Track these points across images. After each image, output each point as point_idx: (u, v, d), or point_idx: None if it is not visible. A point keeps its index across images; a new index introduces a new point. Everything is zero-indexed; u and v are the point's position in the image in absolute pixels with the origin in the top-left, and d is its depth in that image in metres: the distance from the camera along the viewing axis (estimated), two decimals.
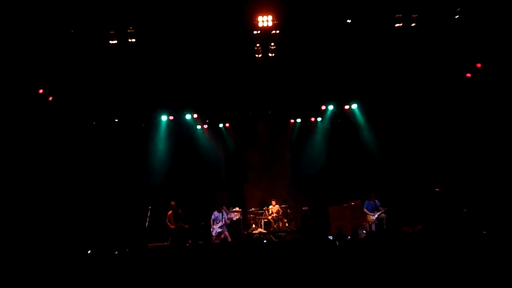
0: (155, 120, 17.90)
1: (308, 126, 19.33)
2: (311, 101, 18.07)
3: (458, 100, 16.27)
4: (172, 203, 15.35)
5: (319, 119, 19.14)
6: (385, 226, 15.14)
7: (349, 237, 9.65)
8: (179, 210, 15.35)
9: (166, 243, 14.84)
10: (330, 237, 10.02)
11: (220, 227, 15.27)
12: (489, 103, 15.35)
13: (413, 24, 13.65)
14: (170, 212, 15.30)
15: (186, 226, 15.35)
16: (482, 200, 14.82)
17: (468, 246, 7.52)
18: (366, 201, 15.79)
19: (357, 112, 18.42)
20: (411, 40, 14.45)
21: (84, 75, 15.01)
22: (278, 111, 18.72)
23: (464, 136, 16.34)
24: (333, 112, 18.64)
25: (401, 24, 13.63)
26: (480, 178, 15.53)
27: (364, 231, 15.07)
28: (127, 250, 12.16)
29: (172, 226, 15.16)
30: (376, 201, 15.63)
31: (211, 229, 15.34)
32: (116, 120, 17.52)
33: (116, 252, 10.76)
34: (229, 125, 19.18)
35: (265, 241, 11.69)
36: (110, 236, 15.53)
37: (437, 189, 15.22)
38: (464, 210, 14.45)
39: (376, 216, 15.36)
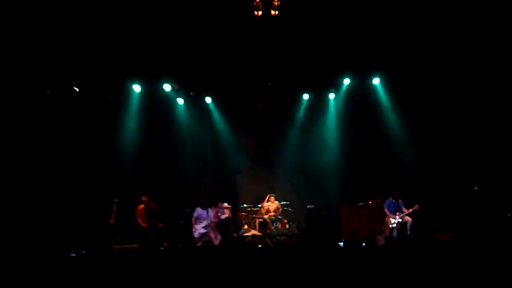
0: (124, 91, 17.82)
1: (318, 104, 19.32)
2: (322, 72, 18.03)
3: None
4: (144, 198, 15.40)
5: (331, 95, 19.11)
6: (409, 232, 15.26)
7: (364, 243, 9.69)
8: (153, 205, 15.41)
9: (136, 245, 14.91)
10: (341, 244, 10.05)
11: (203, 227, 15.38)
12: None
13: None
14: (142, 206, 15.36)
15: (161, 225, 15.43)
16: None
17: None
18: (388, 200, 15.90)
19: (380, 88, 18.41)
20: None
21: (35, 30, 14.94)
22: (280, 84, 18.69)
23: None
24: (349, 87, 18.62)
25: None
26: None
27: (384, 237, 15.18)
28: (85, 252, 12.19)
29: (144, 224, 15.23)
30: (400, 200, 15.74)
31: (193, 230, 15.45)
32: (76, 89, 17.43)
33: (73, 255, 10.79)
34: (219, 99, 19.12)
35: (260, 245, 11.75)
36: (65, 234, 15.57)
37: (476, 188, 15.33)
38: (510, 214, 14.56)
39: (398, 219, 15.46)
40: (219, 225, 16.03)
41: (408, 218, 15.46)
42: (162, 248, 14.68)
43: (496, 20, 14.94)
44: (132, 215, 15.48)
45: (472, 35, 15.77)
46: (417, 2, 14.88)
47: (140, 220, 15.30)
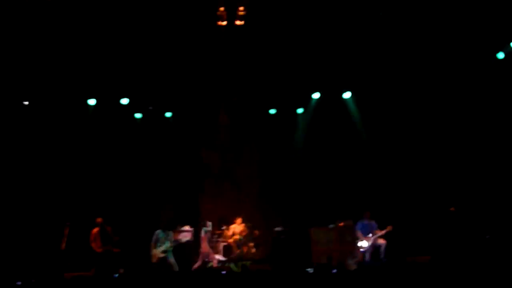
0: (78, 106, 17.62)
1: (285, 120, 19.36)
2: (290, 86, 18.12)
3: (485, 90, 16.57)
4: (99, 219, 15.23)
5: (300, 110, 19.19)
6: (382, 256, 15.32)
7: (335, 270, 9.70)
8: (108, 228, 15.24)
9: (89, 272, 14.69)
10: (310, 270, 10.02)
11: (163, 251, 15.24)
12: None
13: None
14: (96, 230, 15.18)
15: (117, 250, 15.24)
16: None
17: (490, 283, 7.65)
18: (360, 222, 15.95)
19: (351, 104, 18.56)
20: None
21: None
22: (246, 98, 18.71)
23: (493, 140, 16.65)
24: (319, 102, 18.72)
25: None
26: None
27: (356, 262, 15.22)
28: (34, 280, 11.98)
29: (98, 250, 15.04)
30: (373, 221, 15.81)
31: (151, 254, 15.29)
32: (26, 103, 17.19)
33: (19, 283, 10.58)
34: (180, 114, 19.04)
35: (224, 271, 11.65)
36: (12, 260, 15.27)
37: (452, 209, 15.49)
38: (487, 236, 14.72)
39: (371, 241, 15.53)
40: (180, 249, 15.90)
41: (382, 241, 15.53)
42: (117, 274, 14.50)
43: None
44: (86, 239, 15.26)
45: (441, 53, 16.12)
46: (385, 17, 15.14)
47: (94, 245, 15.10)
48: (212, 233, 16.88)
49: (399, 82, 17.44)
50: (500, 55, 15.82)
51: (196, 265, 16.21)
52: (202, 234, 16.57)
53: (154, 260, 15.32)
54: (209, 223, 16.72)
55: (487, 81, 16.23)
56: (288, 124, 19.33)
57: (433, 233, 16.29)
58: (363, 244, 15.62)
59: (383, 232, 15.51)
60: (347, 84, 18.15)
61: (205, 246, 16.39)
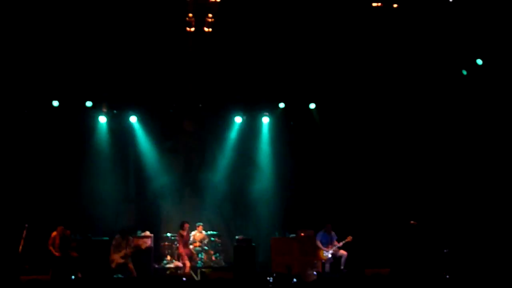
0: (39, 107, 17.41)
1: (251, 128, 19.34)
2: (256, 94, 18.15)
3: (450, 103, 16.85)
4: (60, 227, 15.07)
5: (265, 119, 19.22)
6: (343, 267, 15.40)
7: (295, 279, 9.72)
8: (68, 232, 15.07)
9: (47, 276, 14.49)
10: (270, 279, 10.02)
11: (122, 257, 15.10)
12: (489, 106, 16.04)
13: (395, 5, 14.12)
14: (55, 233, 14.99)
15: (75, 254, 15.06)
16: (470, 238, 15.38)
17: None
18: (320, 232, 16.04)
19: (315, 114, 18.66)
20: (391, 24, 14.95)
21: None
22: (211, 105, 18.68)
23: (455, 151, 16.92)
24: (284, 111, 18.78)
25: (379, 4, 14.05)
26: (470, 208, 16.11)
27: (315, 272, 15.26)
28: None
29: (57, 253, 14.84)
30: (333, 233, 15.91)
31: (110, 259, 15.14)
32: None
33: None
34: (145, 119, 18.90)
35: (184, 278, 11.59)
36: None
37: (412, 222, 15.66)
38: (445, 250, 14.91)
39: (330, 252, 15.60)
40: (139, 255, 15.77)
41: (343, 252, 15.63)
42: (75, 278, 14.33)
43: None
44: (44, 242, 15.04)
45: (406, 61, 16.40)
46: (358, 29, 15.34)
47: (52, 248, 14.89)
48: (186, 235, 16.74)
49: (362, 93, 17.65)
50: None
51: (187, 268, 16.12)
52: (177, 237, 16.65)
53: (113, 265, 15.16)
54: (186, 226, 16.59)
55: (452, 92, 16.57)
56: (253, 132, 19.30)
57: (393, 246, 16.45)
58: (324, 254, 15.68)
59: (342, 243, 15.60)
60: (314, 93, 18.25)
61: (181, 248, 16.38)
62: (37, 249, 15.15)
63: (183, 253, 16.31)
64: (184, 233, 16.52)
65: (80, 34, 15.23)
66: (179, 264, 16.90)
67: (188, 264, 16.19)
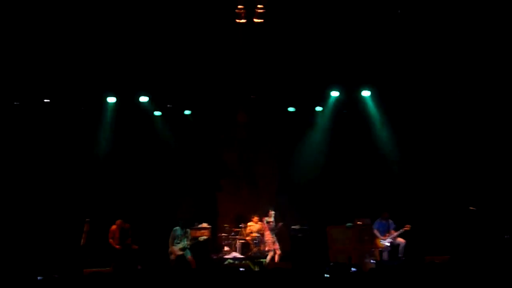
0: (99, 103, 17.73)
1: (304, 118, 19.30)
2: (309, 84, 18.06)
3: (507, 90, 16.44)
4: (118, 221, 15.33)
5: (319, 108, 19.14)
6: (401, 255, 15.25)
7: (353, 268, 9.66)
8: (127, 225, 15.32)
9: (109, 268, 14.76)
10: (327, 275, 9.96)
11: (181, 248, 15.29)
12: None
13: None
14: (114, 227, 15.27)
15: (135, 247, 15.31)
16: None
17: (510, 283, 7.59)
18: (377, 221, 15.91)
19: (370, 102, 18.48)
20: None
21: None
22: (264, 96, 18.69)
23: None
24: (338, 100, 18.65)
25: None
26: None
27: (373, 261, 15.17)
28: (56, 276, 12.04)
29: (117, 246, 15.12)
30: (390, 221, 15.75)
31: (169, 252, 15.36)
32: (47, 101, 17.31)
33: (40, 278, 10.64)
34: (199, 112, 19.06)
35: (241, 268, 11.66)
36: (32, 256, 15.40)
37: (471, 208, 15.39)
38: (507, 236, 14.61)
39: (388, 240, 15.47)
40: (198, 247, 15.95)
41: (401, 240, 15.47)
42: (136, 270, 14.56)
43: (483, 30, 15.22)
44: (105, 235, 15.34)
45: (461, 48, 15.97)
46: (406, 13, 15.04)
47: (112, 242, 15.18)
48: (274, 223, 16.87)
49: (418, 79, 17.31)
50: None
51: (269, 257, 16.33)
52: (264, 223, 16.79)
53: (172, 257, 15.38)
54: (272, 213, 16.69)
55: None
56: (306, 122, 19.24)
57: (452, 233, 16.22)
58: (381, 243, 15.56)
59: (401, 231, 15.43)
60: (365, 82, 18.03)
61: (268, 235, 16.49)
62: (99, 242, 15.46)
63: (270, 241, 16.29)
64: (270, 220, 16.65)
65: (138, 28, 15.36)
66: (237, 254, 17.03)
67: (278, 252, 16.21)
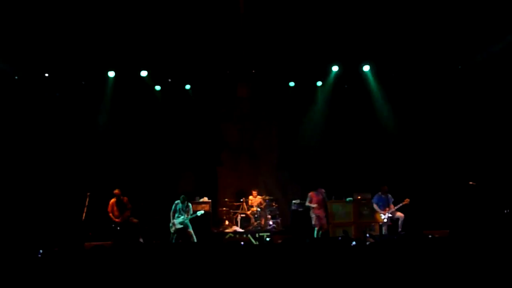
0: (98, 77, 17.65)
1: (304, 92, 19.23)
2: (309, 58, 17.97)
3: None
4: (116, 191, 15.33)
5: (319, 83, 19.07)
6: (400, 229, 15.29)
7: (354, 242, 9.68)
8: (125, 199, 15.35)
9: (109, 242, 14.82)
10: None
11: (181, 222, 15.35)
12: None
13: None
14: (113, 200, 15.31)
15: (135, 221, 15.36)
16: None
17: (509, 258, 7.60)
18: (377, 195, 15.91)
19: (370, 76, 18.40)
20: None
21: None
22: (265, 70, 18.60)
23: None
24: (338, 74, 18.57)
25: None
26: None
27: (373, 235, 15.21)
28: (56, 249, 12.09)
29: (117, 219, 15.16)
30: (389, 195, 15.76)
31: (171, 224, 15.43)
32: (46, 75, 17.24)
33: (41, 252, 10.68)
34: (199, 87, 18.98)
35: (242, 242, 11.70)
36: (33, 230, 15.44)
37: (471, 182, 15.40)
38: (506, 211, 14.63)
39: (387, 215, 15.49)
40: (198, 220, 16.01)
41: (400, 214, 15.48)
42: (136, 244, 14.62)
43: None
44: (104, 209, 15.38)
45: (463, 25, 15.86)
46: None
47: (112, 215, 15.22)
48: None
49: (418, 54, 17.22)
50: None
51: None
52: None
53: (172, 230, 15.46)
54: (322, 190, 16.40)
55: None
56: (307, 97, 19.19)
57: (452, 207, 16.26)
58: (381, 217, 15.60)
59: (400, 205, 15.45)
60: (366, 57, 17.94)
61: (316, 210, 15.84)
62: (99, 216, 15.51)
63: (321, 214, 16.04)
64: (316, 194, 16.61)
65: (135, 6, 15.27)
66: (238, 228, 17.09)
67: (325, 226, 16.05)
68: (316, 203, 15.69)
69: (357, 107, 18.67)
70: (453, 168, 17.02)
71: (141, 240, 15.32)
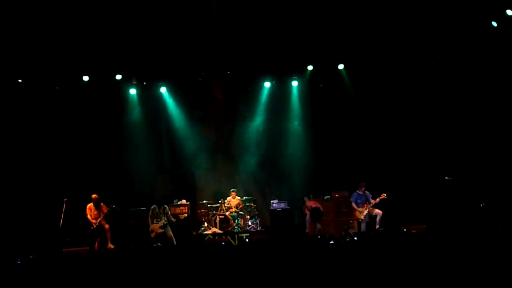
0: (71, 82, 17.57)
1: (280, 93, 19.28)
2: (285, 58, 18.05)
3: (480, 60, 16.55)
4: (94, 195, 15.28)
5: (294, 83, 19.14)
6: (378, 226, 15.44)
7: (332, 241, 9.79)
8: (101, 204, 15.30)
9: (86, 248, 14.76)
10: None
11: (161, 226, 15.35)
12: None
13: None
14: (90, 204, 15.25)
15: (107, 226, 15.25)
16: (506, 192, 15.24)
17: (486, 252, 7.70)
18: (355, 193, 16.02)
19: (345, 75, 18.52)
20: None
21: None
22: (240, 70, 18.62)
23: (487, 108, 16.67)
24: (313, 73, 18.67)
25: None
26: (506, 162, 15.92)
27: (351, 232, 15.32)
28: (32, 256, 12.04)
29: (94, 220, 15.11)
30: (367, 192, 15.88)
31: (150, 230, 15.41)
32: (20, 81, 17.14)
33: (18, 261, 10.64)
34: (175, 89, 18.95)
35: (223, 243, 11.76)
36: (10, 237, 15.34)
37: (446, 178, 15.58)
38: (482, 205, 14.82)
39: (366, 211, 15.61)
40: (177, 224, 16.01)
41: (378, 211, 15.61)
42: (111, 249, 14.61)
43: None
44: (82, 215, 15.31)
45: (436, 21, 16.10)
46: None
47: (89, 218, 15.17)
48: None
49: (392, 51, 17.42)
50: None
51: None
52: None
53: (153, 235, 15.43)
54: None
55: (483, 50, 16.25)
56: (283, 96, 19.24)
57: (428, 203, 16.42)
58: (358, 215, 15.73)
59: (377, 200, 15.57)
60: (340, 55, 18.09)
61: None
62: (77, 222, 15.44)
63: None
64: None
65: (106, 7, 15.25)
66: (217, 230, 17.10)
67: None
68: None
69: (333, 106, 18.76)
70: (428, 164, 17.19)
71: (111, 246, 15.19)
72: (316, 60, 18.19)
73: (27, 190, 16.73)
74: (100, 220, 15.21)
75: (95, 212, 15.24)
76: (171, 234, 15.51)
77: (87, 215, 15.22)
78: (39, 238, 15.53)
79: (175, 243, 15.29)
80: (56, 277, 7.77)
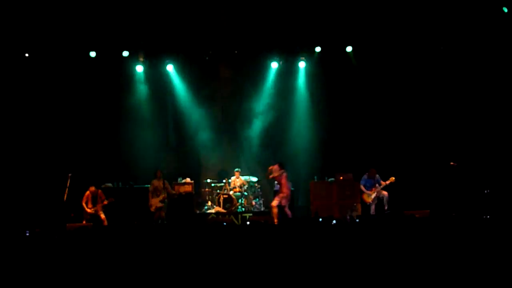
0: (77, 57, 17.56)
1: (287, 74, 19.22)
2: (293, 38, 17.99)
3: (489, 46, 16.47)
4: (92, 188, 15.34)
5: (302, 64, 19.07)
6: (386, 207, 15.49)
7: (334, 221, 9.83)
8: (99, 192, 15.31)
9: (91, 223, 14.84)
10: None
11: (161, 201, 15.42)
12: None
13: None
14: (88, 192, 15.25)
15: (103, 217, 15.21)
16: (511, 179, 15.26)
17: (489, 238, 7.72)
18: (364, 177, 16.04)
19: (353, 56, 18.46)
20: None
21: None
22: (247, 50, 18.57)
23: (495, 95, 16.62)
24: (321, 54, 18.61)
25: None
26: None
27: (354, 215, 15.35)
28: (38, 230, 12.11)
29: (89, 210, 15.12)
30: (377, 176, 15.91)
31: (149, 204, 15.48)
32: (27, 55, 17.14)
33: (28, 232, 10.73)
34: (181, 67, 18.93)
35: (225, 223, 11.77)
36: (14, 211, 15.44)
37: (452, 163, 15.58)
38: (486, 191, 14.82)
39: (374, 194, 15.65)
40: (181, 201, 16.09)
41: (384, 193, 15.65)
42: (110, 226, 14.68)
43: None
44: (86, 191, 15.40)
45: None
46: None
47: (84, 205, 15.19)
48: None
49: (403, 34, 17.35)
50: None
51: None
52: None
53: (152, 209, 15.51)
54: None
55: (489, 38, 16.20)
56: (290, 77, 19.20)
57: (433, 188, 16.44)
58: (367, 198, 15.78)
59: (387, 182, 15.62)
60: (348, 38, 18.02)
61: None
62: (81, 197, 15.52)
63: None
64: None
65: None
66: (221, 209, 17.16)
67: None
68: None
69: (340, 88, 18.70)
70: (434, 149, 17.18)
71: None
72: (324, 42, 18.11)
73: (32, 164, 16.81)
74: (97, 210, 15.22)
75: (90, 205, 15.24)
76: (164, 213, 15.63)
77: (82, 202, 15.26)
78: (44, 213, 15.63)
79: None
80: (60, 251, 7.82)
